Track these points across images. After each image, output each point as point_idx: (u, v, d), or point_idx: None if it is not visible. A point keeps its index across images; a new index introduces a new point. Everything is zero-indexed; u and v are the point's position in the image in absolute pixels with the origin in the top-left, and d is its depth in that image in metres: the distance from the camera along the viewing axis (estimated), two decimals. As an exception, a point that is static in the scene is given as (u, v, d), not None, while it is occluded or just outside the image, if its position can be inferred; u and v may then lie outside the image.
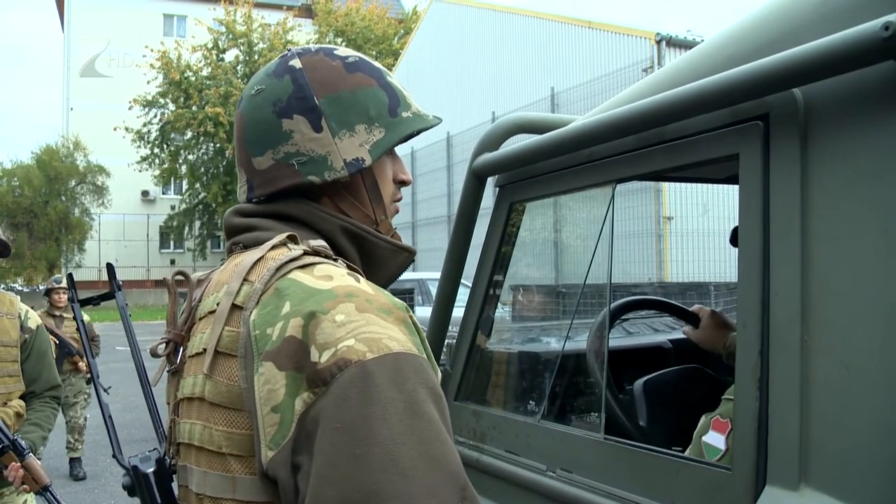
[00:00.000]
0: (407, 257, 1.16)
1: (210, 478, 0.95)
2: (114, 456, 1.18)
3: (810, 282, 1.32)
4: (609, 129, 1.70)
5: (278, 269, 0.95)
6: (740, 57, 1.49)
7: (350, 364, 0.83)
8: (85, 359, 6.82)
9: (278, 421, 0.85)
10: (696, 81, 1.48)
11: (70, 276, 1.56)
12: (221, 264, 1.17)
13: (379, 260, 1.13)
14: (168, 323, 1.13)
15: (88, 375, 6.94)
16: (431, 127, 1.19)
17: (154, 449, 1.12)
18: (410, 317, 0.94)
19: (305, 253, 0.99)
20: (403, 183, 1.20)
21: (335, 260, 1.01)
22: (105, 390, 6.81)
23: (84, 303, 1.36)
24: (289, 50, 1.15)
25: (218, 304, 0.99)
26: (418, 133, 1.17)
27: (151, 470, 1.07)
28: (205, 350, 0.98)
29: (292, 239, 1.02)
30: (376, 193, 1.15)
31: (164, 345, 1.10)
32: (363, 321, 0.87)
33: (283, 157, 1.07)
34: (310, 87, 1.08)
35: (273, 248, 1.00)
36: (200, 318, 1.07)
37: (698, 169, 1.77)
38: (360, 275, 1.00)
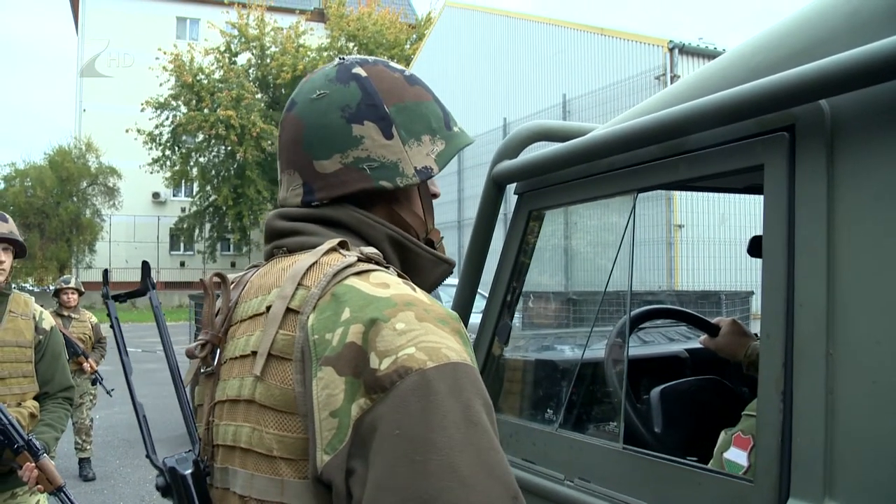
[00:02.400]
0: (447, 269, 1.18)
1: (258, 480, 0.95)
2: (147, 456, 1.16)
3: (836, 294, 1.31)
4: (633, 139, 1.70)
5: (335, 274, 0.96)
6: (766, 67, 1.49)
7: (411, 372, 0.85)
8: (90, 359, 6.85)
9: (336, 426, 0.86)
10: (722, 91, 1.48)
11: (105, 273, 1.54)
12: (253, 268, 1.18)
13: (419, 269, 1.14)
14: (205, 325, 1.13)
15: (94, 376, 6.96)
16: (469, 144, 1.22)
17: (189, 450, 1.11)
18: (463, 328, 0.95)
19: (359, 259, 0.99)
20: (434, 195, 1.23)
21: (387, 267, 1.02)
22: (108, 392, 6.73)
23: (117, 298, 1.33)
24: (342, 58, 1.18)
25: (268, 308, 1.00)
26: (463, 148, 1.21)
27: (189, 472, 1.06)
28: (253, 353, 0.99)
29: (343, 245, 1.03)
30: (429, 202, 1.20)
31: (201, 346, 1.10)
32: (423, 330, 0.89)
33: (352, 161, 1.09)
34: (379, 96, 1.11)
35: (326, 253, 1.01)
36: (241, 321, 1.08)
37: (720, 179, 1.76)
38: (412, 282, 1.01)
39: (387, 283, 0.95)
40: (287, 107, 1.17)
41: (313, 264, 0.99)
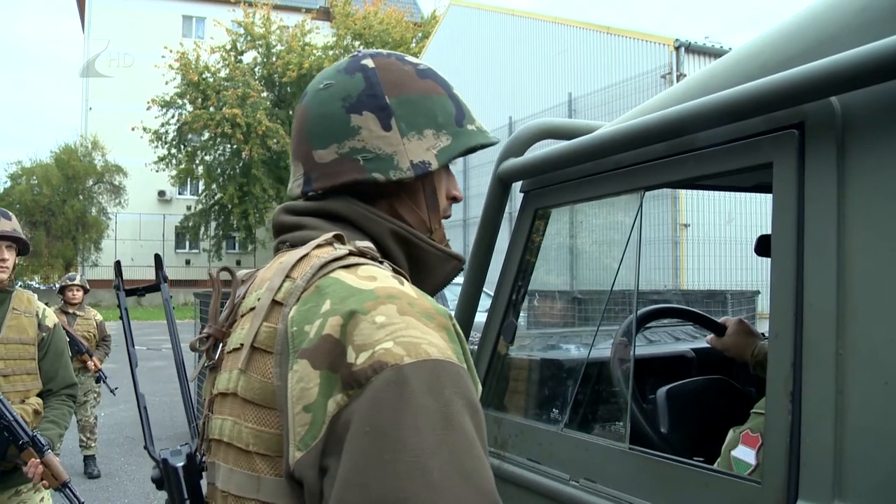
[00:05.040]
0: (456, 265, 1.14)
1: (235, 476, 0.94)
2: (145, 447, 1.16)
3: (846, 294, 1.29)
4: (640, 136, 1.68)
5: (321, 267, 0.94)
6: (775, 64, 1.47)
7: (386, 367, 0.81)
8: (94, 357, 6.86)
9: (309, 421, 0.83)
10: (731, 89, 1.46)
11: (118, 263, 1.53)
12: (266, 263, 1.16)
13: (427, 266, 1.11)
14: (210, 319, 1.11)
15: (98, 374, 6.97)
16: (491, 144, 1.19)
17: (186, 444, 1.10)
18: (453, 324, 0.91)
19: (351, 253, 0.97)
20: (455, 199, 1.19)
21: (380, 262, 1.00)
22: (112, 391, 6.74)
23: (130, 293, 1.32)
24: (359, 51, 1.15)
25: (259, 300, 0.98)
26: (480, 148, 1.16)
27: (181, 464, 1.06)
28: (242, 345, 0.97)
29: (338, 238, 1.01)
30: (434, 201, 1.15)
31: (202, 339, 1.09)
32: (403, 324, 0.85)
33: (347, 151, 1.06)
34: (381, 86, 1.08)
35: (318, 246, 0.99)
36: (242, 316, 1.06)
37: (729, 177, 1.74)
38: (405, 278, 0.98)
39: (374, 276, 0.92)
40: (300, 98, 1.16)
41: (303, 257, 0.98)
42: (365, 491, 0.76)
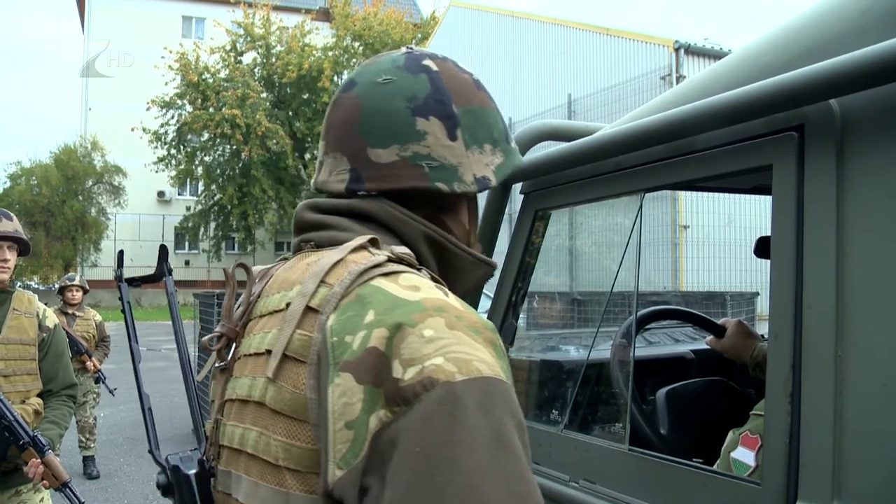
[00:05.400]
0: (487, 271, 1.10)
1: (261, 490, 0.89)
2: (150, 451, 1.11)
3: (845, 296, 1.30)
4: (640, 138, 1.69)
5: (361, 273, 0.89)
6: (776, 66, 1.48)
7: (437, 384, 0.77)
8: (93, 358, 6.86)
9: (351, 438, 0.78)
10: (731, 91, 1.47)
11: (121, 253, 1.48)
12: (282, 261, 1.12)
13: (457, 271, 1.07)
14: (223, 317, 1.07)
15: (97, 375, 6.97)
16: (520, 166, 1.16)
17: (195, 449, 1.06)
18: (498, 339, 0.87)
19: (389, 260, 0.93)
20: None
21: (419, 269, 0.96)
22: (111, 391, 6.71)
23: (131, 282, 1.26)
24: (410, 48, 1.11)
25: (288, 304, 0.93)
26: (518, 169, 1.14)
27: (194, 472, 1.01)
28: (267, 351, 0.93)
29: (374, 243, 0.96)
30: (475, 216, 1.13)
31: (216, 338, 1.05)
32: (453, 339, 0.81)
33: (411, 155, 1.01)
34: (448, 93, 1.04)
35: (354, 250, 0.94)
36: (260, 316, 1.02)
37: (729, 179, 1.75)
38: (446, 287, 0.94)
39: (417, 286, 0.87)
40: (344, 87, 1.08)
41: (338, 261, 0.92)
42: None
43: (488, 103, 1.10)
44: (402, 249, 0.97)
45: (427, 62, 1.06)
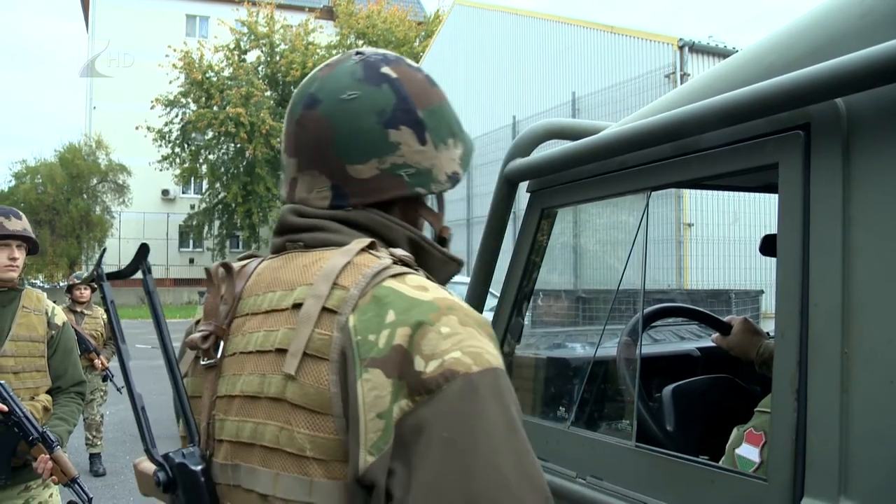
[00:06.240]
0: (455, 267, 1.17)
1: (284, 480, 0.94)
2: (146, 449, 1.09)
3: (851, 293, 1.31)
4: (646, 137, 1.70)
5: (374, 276, 0.95)
6: (781, 66, 1.48)
7: (457, 376, 0.86)
8: (101, 356, 6.87)
9: (382, 427, 0.87)
10: (737, 90, 1.48)
11: (102, 251, 1.47)
12: (250, 258, 1.17)
13: (430, 269, 1.13)
14: (208, 315, 1.11)
15: (104, 373, 6.99)
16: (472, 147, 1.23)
17: (194, 445, 1.06)
18: (494, 333, 0.97)
19: (394, 262, 0.99)
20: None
21: (417, 270, 1.03)
22: (119, 389, 6.69)
23: (111, 276, 1.21)
24: (360, 51, 1.14)
25: (295, 304, 0.99)
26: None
27: (201, 468, 1.03)
28: (278, 350, 0.98)
29: (372, 246, 1.03)
30: (442, 206, 1.19)
31: (204, 337, 1.08)
32: (466, 335, 0.90)
33: (389, 167, 1.06)
34: (412, 100, 1.09)
35: (358, 253, 1.00)
36: (252, 315, 1.06)
37: (734, 177, 1.76)
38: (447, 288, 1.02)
39: (424, 287, 0.96)
40: (306, 103, 1.10)
41: (347, 264, 0.98)
42: (448, 494, 0.82)
43: (443, 97, 1.15)
44: (401, 252, 1.04)
45: (385, 70, 1.10)
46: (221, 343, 1.08)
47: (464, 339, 0.89)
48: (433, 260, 1.13)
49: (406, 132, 1.07)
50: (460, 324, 0.91)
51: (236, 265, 1.16)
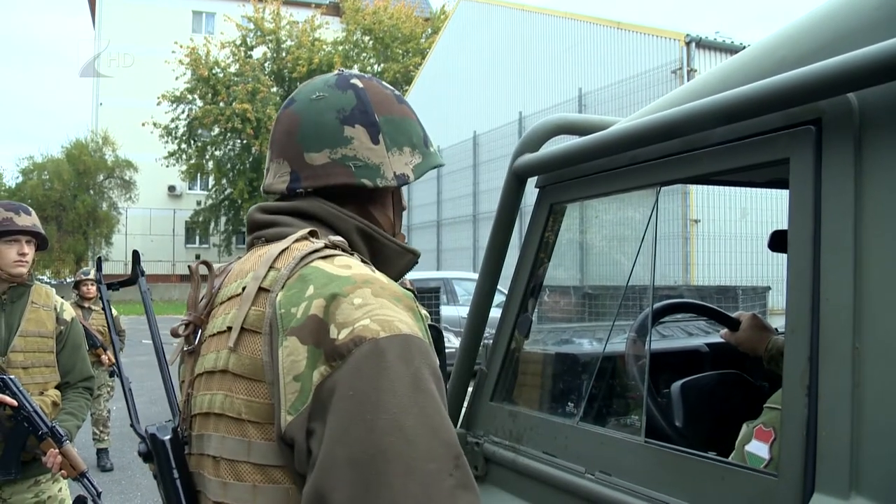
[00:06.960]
0: (411, 259, 1.30)
1: (228, 442, 1.05)
2: (131, 425, 1.29)
3: (863, 289, 1.30)
4: (656, 132, 1.69)
5: (303, 258, 1.06)
6: (792, 61, 1.48)
7: (365, 340, 0.94)
8: (108, 351, 6.89)
9: (298, 389, 0.95)
10: (748, 85, 1.47)
11: (99, 260, 1.67)
12: (236, 259, 1.29)
13: (386, 259, 1.25)
14: (189, 307, 1.23)
15: (111, 368, 7.01)
16: (441, 166, 1.39)
17: (169, 420, 1.20)
18: (417, 306, 1.05)
19: (326, 246, 1.10)
20: (403, 209, 1.38)
21: (351, 253, 1.13)
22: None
23: (110, 287, 1.49)
24: (341, 70, 1.33)
25: (244, 288, 1.10)
26: (436, 168, 1.34)
27: (168, 437, 1.16)
28: (229, 328, 1.09)
29: (313, 234, 1.14)
30: (399, 208, 1.34)
31: (184, 326, 1.21)
32: (378, 305, 0.98)
33: (340, 157, 1.21)
34: (371, 105, 1.24)
35: (297, 240, 1.12)
36: (220, 304, 1.18)
37: (744, 173, 1.75)
38: (372, 267, 1.12)
39: (349, 265, 1.05)
40: (285, 104, 1.30)
41: (284, 250, 1.10)
42: (350, 446, 0.89)
43: (409, 114, 1.31)
44: (338, 238, 1.15)
45: (354, 81, 1.27)
46: (200, 331, 1.22)
47: (374, 309, 0.97)
48: (387, 249, 1.26)
49: (360, 130, 1.22)
50: (373, 295, 0.99)
51: (221, 264, 1.32)
